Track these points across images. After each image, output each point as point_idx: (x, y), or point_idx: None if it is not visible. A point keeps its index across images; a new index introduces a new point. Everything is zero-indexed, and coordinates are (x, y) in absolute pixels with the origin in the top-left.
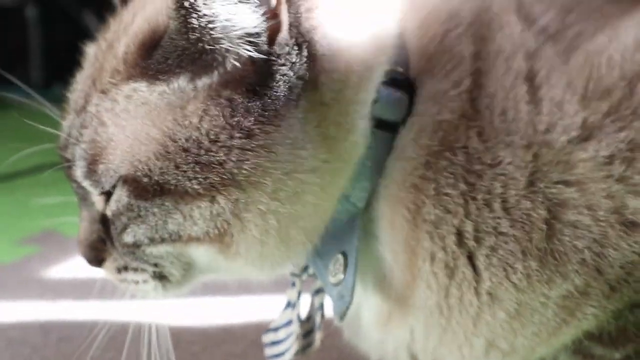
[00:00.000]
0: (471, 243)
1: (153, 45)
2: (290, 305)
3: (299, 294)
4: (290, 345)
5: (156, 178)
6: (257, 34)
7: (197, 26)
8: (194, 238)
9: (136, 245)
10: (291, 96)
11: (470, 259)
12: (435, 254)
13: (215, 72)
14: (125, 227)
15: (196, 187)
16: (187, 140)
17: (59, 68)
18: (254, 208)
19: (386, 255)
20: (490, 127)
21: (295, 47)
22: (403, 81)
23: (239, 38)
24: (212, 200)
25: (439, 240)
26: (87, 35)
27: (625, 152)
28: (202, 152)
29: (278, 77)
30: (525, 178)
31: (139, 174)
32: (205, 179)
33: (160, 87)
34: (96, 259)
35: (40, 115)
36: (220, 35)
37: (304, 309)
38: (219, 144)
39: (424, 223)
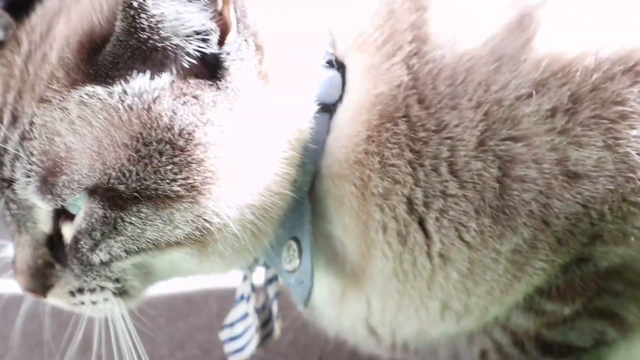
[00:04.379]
0: (421, 209)
1: (94, 47)
2: (243, 298)
3: (252, 286)
4: (250, 338)
5: (133, 185)
6: (207, 33)
7: (146, 26)
8: (173, 243)
9: (108, 263)
10: (249, 88)
11: (421, 224)
12: (387, 224)
13: (172, 69)
14: (97, 244)
15: (176, 189)
16: (159, 142)
17: None
18: (234, 203)
19: (337, 233)
20: (432, 92)
21: (244, 42)
22: (334, 60)
23: (189, 36)
24: (194, 201)
25: (390, 210)
26: None
27: (566, 105)
28: (178, 152)
29: (233, 71)
30: (475, 138)
31: (113, 181)
32: (185, 179)
33: (118, 89)
34: (42, 287)
35: None
36: (169, 34)
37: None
38: (195, 142)
39: (373, 196)
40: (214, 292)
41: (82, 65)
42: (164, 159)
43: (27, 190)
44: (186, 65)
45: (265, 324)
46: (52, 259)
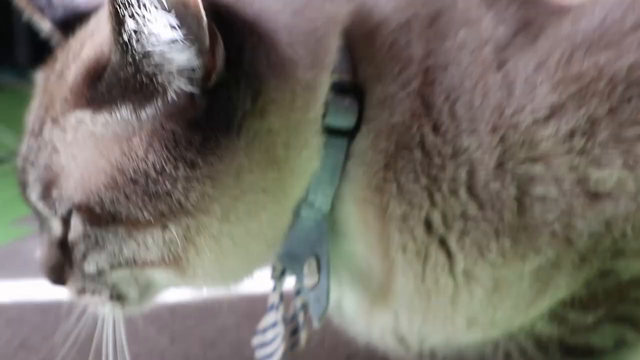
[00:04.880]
0: (441, 229)
1: (98, 74)
2: (273, 307)
3: (281, 296)
4: (278, 346)
5: (107, 208)
6: (192, 70)
7: (132, 60)
8: (149, 263)
9: (99, 273)
10: (232, 128)
11: (443, 243)
12: (406, 244)
13: (156, 104)
14: (84, 256)
15: (146, 216)
16: (134, 171)
17: (46, 49)
18: (206, 233)
19: (362, 251)
20: (449, 119)
21: (235, 81)
22: (350, 87)
23: (173, 73)
24: (164, 227)
25: (408, 232)
26: None
27: (584, 127)
28: (150, 183)
29: (217, 110)
30: (494, 160)
31: (91, 203)
32: (154, 208)
33: (104, 118)
34: (59, 281)
35: (29, 98)
36: (155, 71)
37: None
38: (165, 175)
39: (391, 219)
40: (243, 294)
41: (85, 89)
42: (136, 187)
43: (33, 195)
44: (169, 102)
45: (294, 333)
46: (62, 260)
